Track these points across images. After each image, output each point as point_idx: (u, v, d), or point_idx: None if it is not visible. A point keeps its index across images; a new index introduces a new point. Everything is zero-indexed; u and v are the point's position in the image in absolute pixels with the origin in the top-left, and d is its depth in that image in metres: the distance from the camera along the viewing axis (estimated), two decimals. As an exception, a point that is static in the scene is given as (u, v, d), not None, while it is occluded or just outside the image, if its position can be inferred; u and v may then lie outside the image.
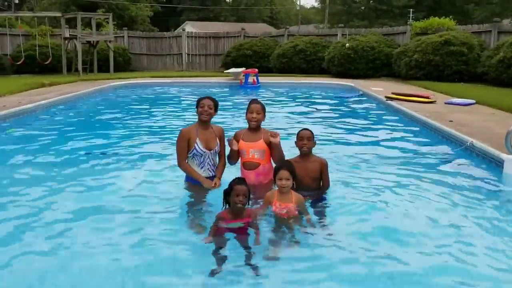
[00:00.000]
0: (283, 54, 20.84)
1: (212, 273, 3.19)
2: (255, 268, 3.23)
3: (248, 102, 4.74)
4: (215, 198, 4.24)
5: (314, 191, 4.49)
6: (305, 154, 4.50)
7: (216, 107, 4.73)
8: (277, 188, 4.01)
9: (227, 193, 3.77)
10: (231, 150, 4.66)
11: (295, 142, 4.55)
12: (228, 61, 22.11)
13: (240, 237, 3.67)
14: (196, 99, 4.78)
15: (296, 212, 3.94)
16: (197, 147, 4.61)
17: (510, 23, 28.77)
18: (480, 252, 3.56)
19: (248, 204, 3.84)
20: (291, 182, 3.93)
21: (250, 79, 16.59)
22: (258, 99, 4.80)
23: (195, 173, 4.67)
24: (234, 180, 3.82)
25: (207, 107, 4.63)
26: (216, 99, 4.80)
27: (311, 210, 4.18)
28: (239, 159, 4.74)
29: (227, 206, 3.79)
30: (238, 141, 4.67)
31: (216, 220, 3.80)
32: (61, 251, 3.56)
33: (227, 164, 4.87)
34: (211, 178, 4.71)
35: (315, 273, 3.25)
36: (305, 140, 4.46)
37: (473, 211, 4.44)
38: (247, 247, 3.54)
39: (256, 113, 4.60)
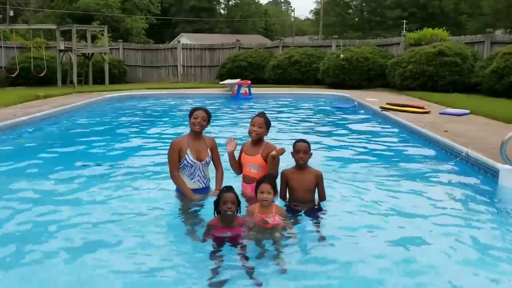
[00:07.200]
0: (278, 65, 20.95)
1: (210, 284, 3.17)
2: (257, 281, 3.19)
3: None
4: (207, 207, 4.24)
5: (309, 202, 4.47)
6: (301, 166, 4.48)
7: (209, 119, 4.73)
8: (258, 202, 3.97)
9: (216, 203, 3.80)
10: (229, 156, 4.62)
11: (291, 153, 4.50)
12: (223, 73, 22.19)
13: (234, 245, 3.67)
14: (190, 109, 4.77)
15: (279, 221, 3.89)
16: (187, 158, 4.60)
17: (502, 34, 29.05)
18: (476, 262, 3.55)
19: (239, 212, 3.84)
20: (272, 196, 3.92)
21: (242, 91, 16.62)
22: (264, 113, 4.76)
23: (184, 185, 4.65)
24: (222, 189, 3.89)
25: (200, 118, 4.62)
26: (208, 109, 4.80)
27: (306, 221, 4.16)
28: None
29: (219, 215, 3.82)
30: (242, 152, 4.70)
31: (207, 227, 3.81)
32: (55, 262, 3.52)
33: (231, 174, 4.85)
34: (202, 189, 4.70)
35: (307, 282, 3.22)
36: (301, 153, 4.41)
37: (468, 221, 4.43)
38: (241, 255, 3.53)
39: (257, 126, 4.57)
